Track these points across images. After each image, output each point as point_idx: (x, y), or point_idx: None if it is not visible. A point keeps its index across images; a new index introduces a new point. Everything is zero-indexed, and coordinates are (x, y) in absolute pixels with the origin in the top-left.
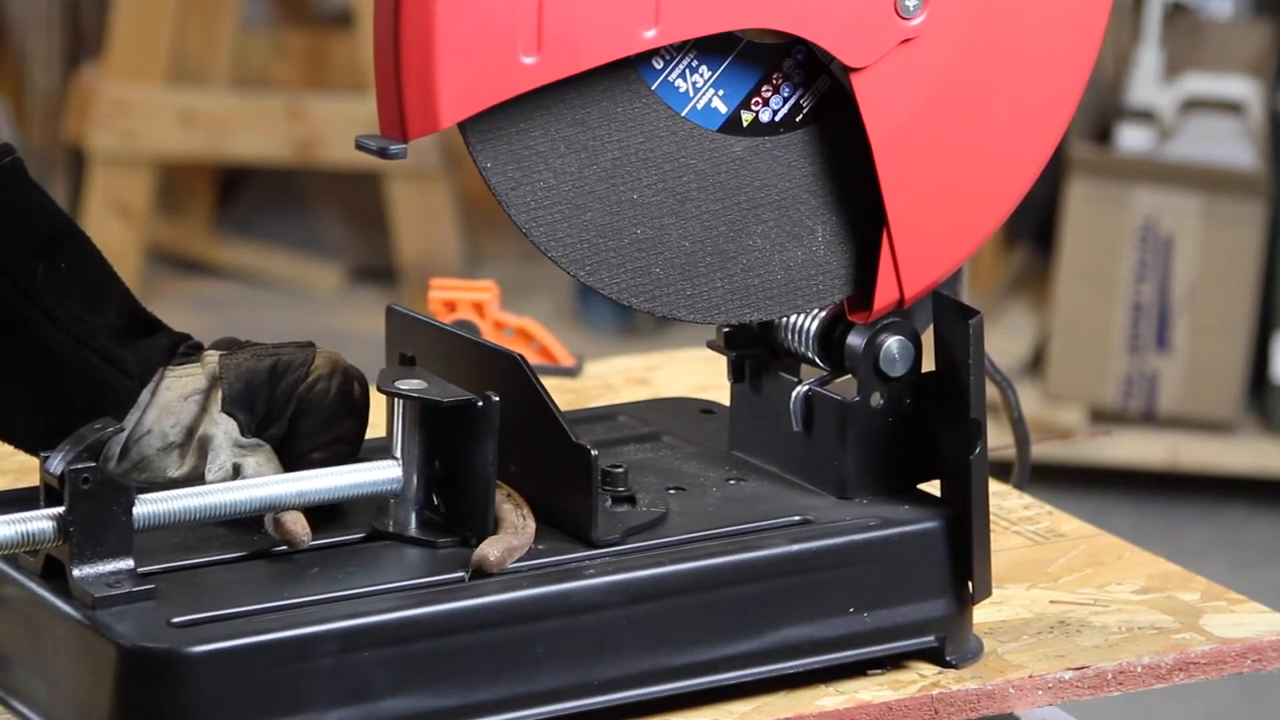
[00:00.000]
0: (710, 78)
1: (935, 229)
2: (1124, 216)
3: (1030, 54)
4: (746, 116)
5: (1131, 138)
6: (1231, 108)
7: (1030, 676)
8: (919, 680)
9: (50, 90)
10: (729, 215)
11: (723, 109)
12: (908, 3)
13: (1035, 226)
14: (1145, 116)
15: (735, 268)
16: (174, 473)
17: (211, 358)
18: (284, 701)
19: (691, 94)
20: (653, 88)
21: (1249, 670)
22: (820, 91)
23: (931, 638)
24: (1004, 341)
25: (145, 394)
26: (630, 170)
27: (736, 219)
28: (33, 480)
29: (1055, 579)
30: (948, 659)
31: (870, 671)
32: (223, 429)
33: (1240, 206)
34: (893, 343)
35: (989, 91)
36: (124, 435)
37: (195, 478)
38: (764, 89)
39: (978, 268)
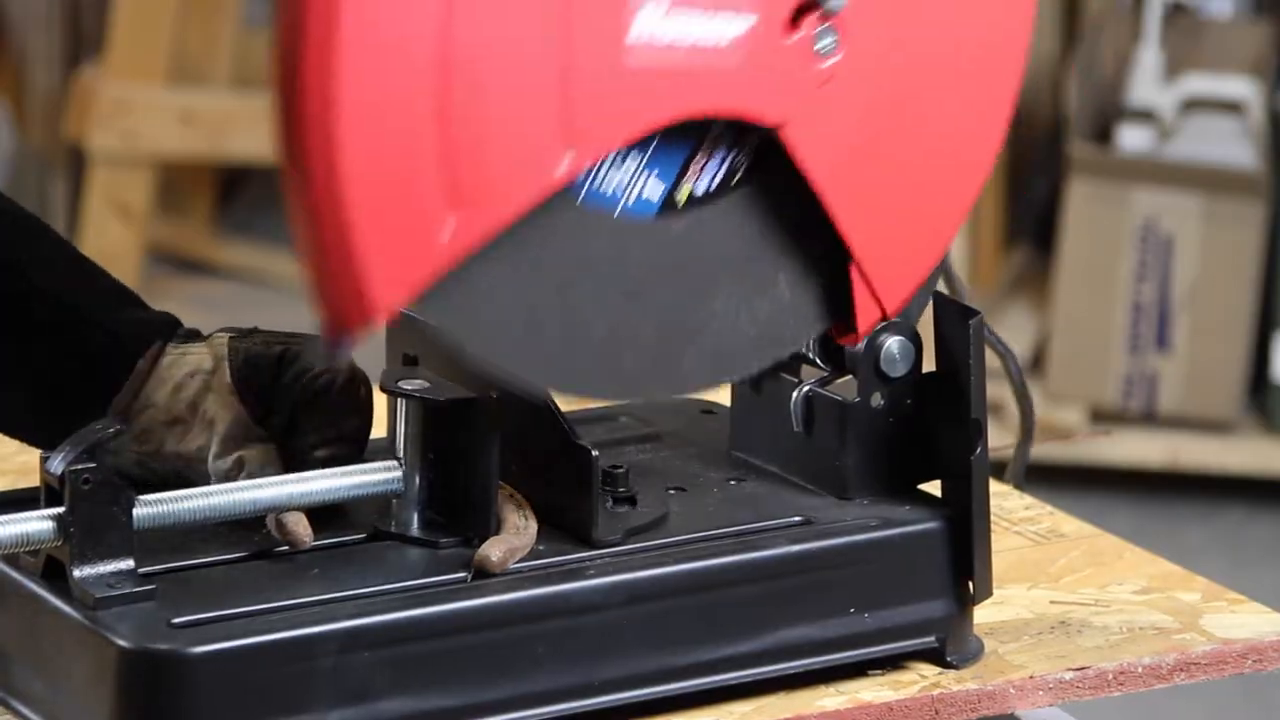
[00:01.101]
0: (638, 166)
1: (901, 244)
2: (1124, 216)
3: (959, 56)
4: (682, 193)
5: (1131, 138)
6: (1231, 108)
7: (1031, 677)
8: (920, 680)
9: (50, 90)
10: (687, 292)
11: (657, 193)
12: (822, 45)
13: (1035, 226)
14: (1145, 116)
15: (704, 338)
16: (175, 446)
17: (221, 339)
18: (285, 702)
19: (622, 191)
20: (580, 201)
21: (1250, 670)
22: (753, 145)
23: (932, 638)
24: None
25: (143, 364)
26: (578, 280)
27: (695, 292)
28: (33, 480)
29: (1056, 579)
30: (948, 659)
31: (870, 672)
32: (232, 414)
33: (1240, 206)
34: (893, 343)
35: (924, 101)
36: (135, 407)
37: (197, 456)
38: (696, 160)
39: (978, 268)
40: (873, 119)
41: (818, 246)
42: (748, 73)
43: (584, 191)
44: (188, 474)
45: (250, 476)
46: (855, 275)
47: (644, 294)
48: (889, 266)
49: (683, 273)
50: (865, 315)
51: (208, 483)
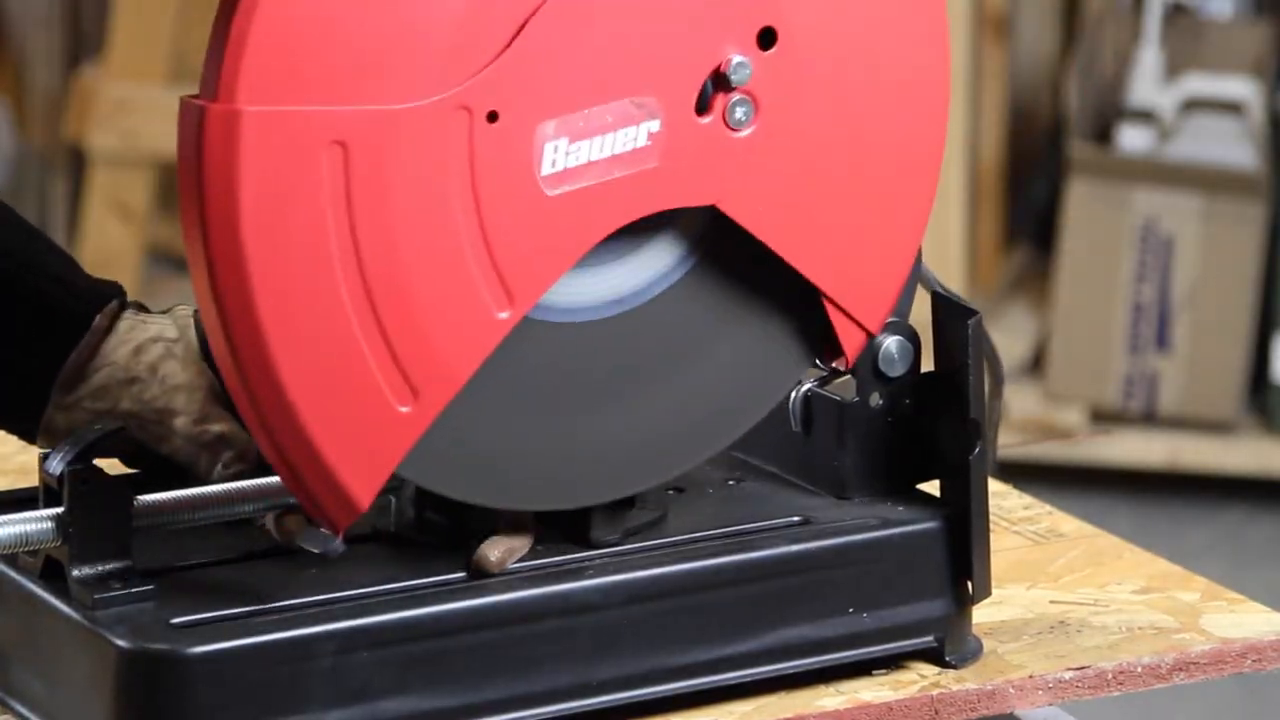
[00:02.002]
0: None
1: (867, 267)
2: (1124, 216)
3: (880, 71)
4: None
5: (1131, 138)
6: (1231, 108)
7: (1030, 676)
8: (919, 680)
9: (50, 90)
10: (693, 356)
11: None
12: (737, 117)
13: (1035, 226)
14: (1145, 116)
15: (724, 389)
16: (130, 405)
17: (184, 310)
18: (284, 702)
19: (593, 295)
20: (549, 319)
21: (1249, 670)
22: (701, 218)
23: (931, 638)
24: (1004, 341)
25: (101, 320)
26: (574, 390)
27: (698, 352)
28: (32, 480)
29: (1055, 579)
30: (947, 659)
31: (871, 672)
32: (204, 380)
33: (1240, 206)
34: (892, 343)
35: (855, 125)
36: (92, 365)
37: (155, 418)
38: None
39: (978, 268)
40: (807, 161)
41: (790, 286)
42: (669, 167)
43: (554, 308)
44: (139, 435)
45: (239, 457)
46: (829, 307)
47: (649, 377)
48: (861, 290)
49: (684, 339)
50: (849, 340)
51: (161, 446)
